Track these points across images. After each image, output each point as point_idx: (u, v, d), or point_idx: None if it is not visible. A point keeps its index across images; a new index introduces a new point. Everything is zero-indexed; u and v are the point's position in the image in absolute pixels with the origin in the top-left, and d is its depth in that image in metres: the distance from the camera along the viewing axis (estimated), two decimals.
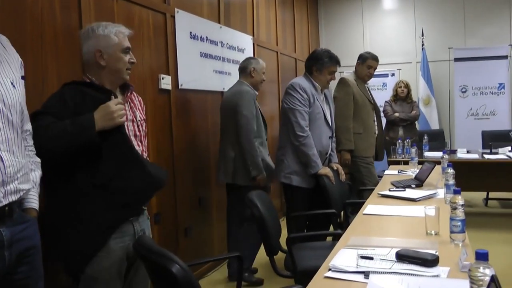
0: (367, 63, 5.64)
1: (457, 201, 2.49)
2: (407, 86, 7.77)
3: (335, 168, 4.67)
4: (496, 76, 9.10)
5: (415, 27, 9.77)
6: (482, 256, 1.53)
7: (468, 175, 6.42)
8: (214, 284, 4.82)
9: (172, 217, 4.43)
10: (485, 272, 1.49)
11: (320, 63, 4.64)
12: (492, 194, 8.03)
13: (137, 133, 2.79)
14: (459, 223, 2.49)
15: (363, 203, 3.71)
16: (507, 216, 7.40)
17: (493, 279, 1.33)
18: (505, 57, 9.15)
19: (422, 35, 9.51)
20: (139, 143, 2.81)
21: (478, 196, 8.19)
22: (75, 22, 3.29)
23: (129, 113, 2.74)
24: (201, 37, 5.00)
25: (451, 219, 2.50)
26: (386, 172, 5.30)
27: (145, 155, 2.85)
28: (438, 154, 5.89)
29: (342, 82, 5.60)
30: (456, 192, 2.57)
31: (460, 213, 2.48)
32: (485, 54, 9.14)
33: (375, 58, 5.70)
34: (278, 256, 3.31)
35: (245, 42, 5.98)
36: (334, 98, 5.23)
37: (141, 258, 2.17)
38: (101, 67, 2.61)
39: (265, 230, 3.17)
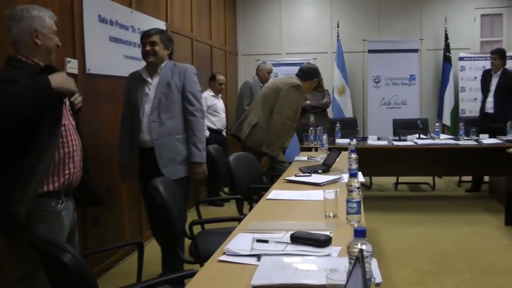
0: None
1: (353, 184, 2.56)
2: None
3: None
4: (407, 68, 9.51)
5: (331, 19, 9.99)
6: (359, 233, 1.57)
7: (379, 161, 6.69)
8: (124, 274, 4.72)
9: (78, 207, 4.29)
10: (363, 248, 1.52)
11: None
12: (402, 179, 8.43)
13: None
14: (355, 205, 2.56)
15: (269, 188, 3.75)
16: (415, 199, 7.74)
17: (361, 255, 1.36)
18: (416, 50, 9.60)
19: (338, 27, 9.77)
20: None
21: (389, 180, 8.57)
22: None
23: None
24: (110, 20, 4.87)
25: (348, 201, 2.57)
26: (296, 158, 5.38)
27: None
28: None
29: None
30: (352, 176, 2.63)
31: (355, 195, 2.55)
32: (398, 47, 9.53)
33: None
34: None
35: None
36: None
37: (34, 249, 2.10)
38: (36, 46, 2.67)
39: (168, 216, 3.14)
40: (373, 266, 1.76)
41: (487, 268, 4.61)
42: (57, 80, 2.56)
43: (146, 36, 4.07)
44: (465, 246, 5.27)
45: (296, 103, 5.27)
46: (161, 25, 5.95)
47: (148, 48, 4.03)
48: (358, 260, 1.31)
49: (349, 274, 1.35)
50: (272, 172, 5.07)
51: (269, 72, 7.88)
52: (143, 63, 5.36)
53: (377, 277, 1.81)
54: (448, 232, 5.75)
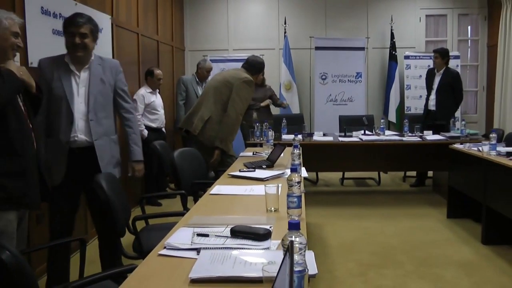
0: None
1: (293, 178, 2.58)
2: None
3: None
4: (354, 65, 9.66)
5: (278, 15, 10.04)
6: (294, 226, 1.59)
7: (325, 157, 6.79)
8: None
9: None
10: (297, 240, 1.54)
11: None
12: (348, 174, 8.58)
13: None
14: (295, 199, 2.58)
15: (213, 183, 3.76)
16: (361, 194, 7.91)
17: (290, 246, 1.39)
18: (362, 48, 9.76)
19: (285, 23, 9.81)
20: None
21: (335, 176, 8.72)
22: None
23: None
24: (54, 13, 4.76)
25: (288, 195, 2.59)
26: (241, 154, 5.41)
27: None
28: None
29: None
30: (293, 171, 2.66)
31: (296, 190, 2.57)
32: (344, 45, 9.68)
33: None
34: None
35: (102, 22, 5.78)
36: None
37: None
38: None
39: (111, 212, 3.11)
40: (309, 258, 1.79)
41: (428, 260, 4.74)
42: (23, 74, 2.81)
43: (74, 25, 3.59)
44: (408, 239, 5.41)
45: (248, 99, 5.35)
46: (106, 19, 5.87)
47: (78, 40, 3.58)
48: (288, 252, 1.33)
49: (280, 265, 1.37)
50: (221, 166, 5.10)
51: (208, 70, 7.90)
52: None
53: (312, 269, 1.84)
54: (392, 225, 5.89)
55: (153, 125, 6.93)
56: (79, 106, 3.66)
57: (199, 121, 5.22)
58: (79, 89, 3.68)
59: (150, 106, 6.87)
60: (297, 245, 1.53)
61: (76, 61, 3.67)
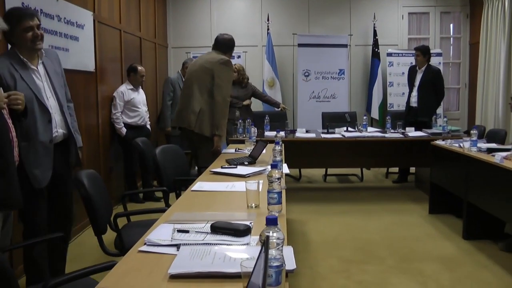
0: None
1: (273, 175, 2.60)
2: (243, 70, 7.81)
3: None
4: (337, 62, 9.69)
5: (261, 12, 10.04)
6: (271, 222, 1.59)
7: (308, 154, 6.82)
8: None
9: None
10: (274, 236, 1.55)
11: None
12: (331, 171, 8.61)
13: None
14: (276, 195, 2.60)
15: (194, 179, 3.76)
16: (344, 190, 7.93)
17: (265, 241, 1.39)
18: (345, 45, 9.78)
19: (268, 20, 9.80)
20: None
21: (318, 172, 8.75)
22: None
23: None
24: (35, 9, 4.73)
25: (268, 191, 2.61)
26: (224, 150, 5.40)
27: None
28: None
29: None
30: (273, 167, 2.67)
31: (276, 186, 2.59)
32: (327, 42, 9.70)
33: None
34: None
35: (84, 18, 5.75)
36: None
37: None
38: None
39: (92, 209, 3.10)
40: (287, 253, 1.79)
41: (410, 255, 4.79)
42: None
43: (30, 18, 3.44)
44: (390, 234, 5.45)
45: (230, 78, 5.35)
46: (88, 15, 5.84)
47: (38, 32, 3.45)
48: (263, 246, 1.34)
49: (256, 260, 1.38)
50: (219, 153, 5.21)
51: None
52: (70, 54, 5.30)
53: (290, 264, 1.84)
54: (374, 221, 5.94)
55: (132, 122, 6.76)
56: (51, 102, 3.59)
57: (192, 115, 5.17)
58: (44, 84, 3.58)
59: (130, 103, 6.73)
60: (274, 240, 1.54)
61: (32, 56, 3.53)
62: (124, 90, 6.71)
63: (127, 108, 6.70)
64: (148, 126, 7.13)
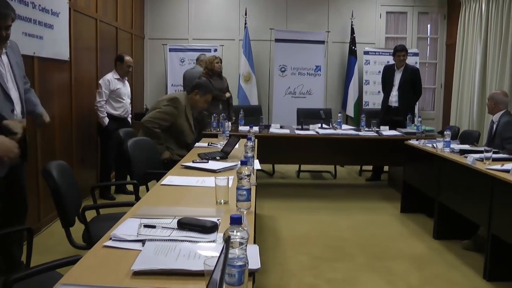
0: None
1: (243, 171, 2.58)
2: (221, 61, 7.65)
3: None
4: (313, 58, 9.72)
5: (239, 6, 10.01)
6: (235, 221, 1.57)
7: (282, 149, 6.81)
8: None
9: None
10: (238, 235, 1.53)
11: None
12: (304, 167, 8.65)
13: None
14: (245, 192, 2.58)
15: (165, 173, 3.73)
16: (317, 187, 7.94)
17: (227, 240, 1.38)
18: (322, 42, 9.82)
19: (246, 15, 9.78)
20: None
21: (291, 168, 8.75)
22: None
23: None
24: None
25: (237, 188, 2.59)
26: (197, 144, 5.37)
27: None
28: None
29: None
30: (243, 163, 2.66)
31: (245, 183, 2.58)
32: (304, 38, 9.73)
33: None
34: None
35: (59, 6, 5.64)
36: None
37: None
38: None
39: (60, 201, 3.06)
40: (252, 252, 1.77)
41: (380, 253, 4.83)
42: None
43: (3, 17, 3.29)
44: (361, 232, 5.49)
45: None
46: (63, 3, 5.74)
47: (4, 34, 3.33)
48: (224, 246, 1.33)
49: (218, 258, 1.36)
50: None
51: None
52: (44, 42, 5.20)
53: (254, 263, 1.81)
54: (346, 219, 5.96)
55: (116, 113, 6.60)
56: (13, 92, 3.48)
57: None
58: (7, 74, 3.46)
59: (115, 93, 6.56)
60: (238, 239, 1.52)
61: None
62: (111, 78, 6.54)
63: (112, 98, 6.54)
64: (129, 119, 6.98)
